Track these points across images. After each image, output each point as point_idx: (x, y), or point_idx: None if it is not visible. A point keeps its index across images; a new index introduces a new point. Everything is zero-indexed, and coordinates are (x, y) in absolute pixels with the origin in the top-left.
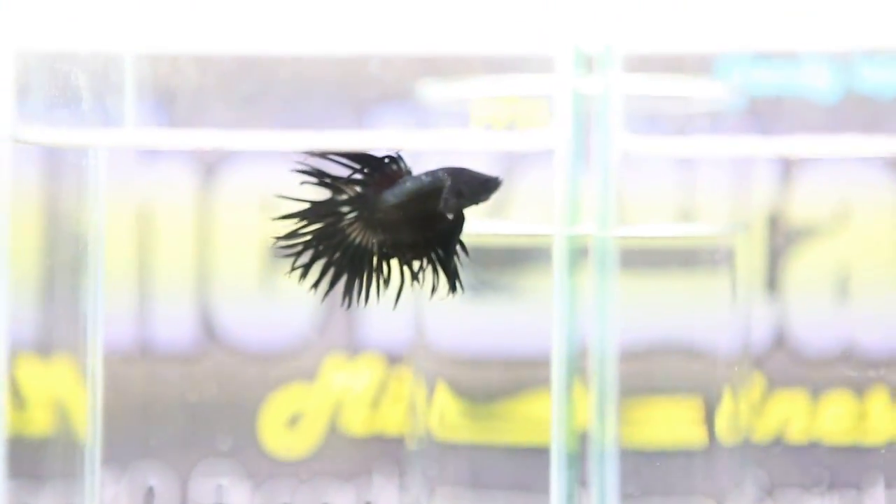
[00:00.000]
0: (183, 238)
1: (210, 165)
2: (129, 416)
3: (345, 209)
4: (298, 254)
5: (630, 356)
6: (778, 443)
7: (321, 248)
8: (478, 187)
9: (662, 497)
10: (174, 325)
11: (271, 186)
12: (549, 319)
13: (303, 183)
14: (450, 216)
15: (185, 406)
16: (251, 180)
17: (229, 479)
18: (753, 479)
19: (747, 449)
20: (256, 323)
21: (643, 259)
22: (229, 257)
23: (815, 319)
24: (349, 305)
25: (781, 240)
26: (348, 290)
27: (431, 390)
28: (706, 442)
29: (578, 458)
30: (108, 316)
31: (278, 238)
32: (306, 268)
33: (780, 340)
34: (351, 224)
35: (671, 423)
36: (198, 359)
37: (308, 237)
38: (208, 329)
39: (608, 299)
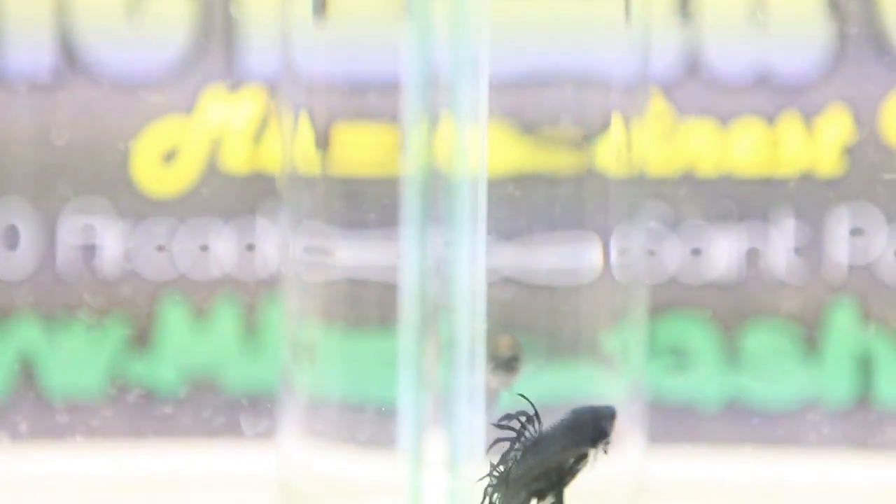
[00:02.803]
0: None
1: None
2: None
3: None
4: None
5: (505, 85)
6: (687, 175)
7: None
8: (603, 422)
9: (541, 233)
10: (30, 51)
11: None
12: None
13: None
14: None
15: (47, 141)
16: None
17: (100, 218)
18: (651, 212)
19: (643, 182)
20: (125, 49)
21: None
22: None
23: (728, 42)
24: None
25: None
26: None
27: (297, 121)
28: (587, 173)
29: (432, 189)
30: None
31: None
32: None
33: (691, 67)
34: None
35: (549, 153)
36: (59, 89)
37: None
38: (69, 56)
39: (469, 18)
